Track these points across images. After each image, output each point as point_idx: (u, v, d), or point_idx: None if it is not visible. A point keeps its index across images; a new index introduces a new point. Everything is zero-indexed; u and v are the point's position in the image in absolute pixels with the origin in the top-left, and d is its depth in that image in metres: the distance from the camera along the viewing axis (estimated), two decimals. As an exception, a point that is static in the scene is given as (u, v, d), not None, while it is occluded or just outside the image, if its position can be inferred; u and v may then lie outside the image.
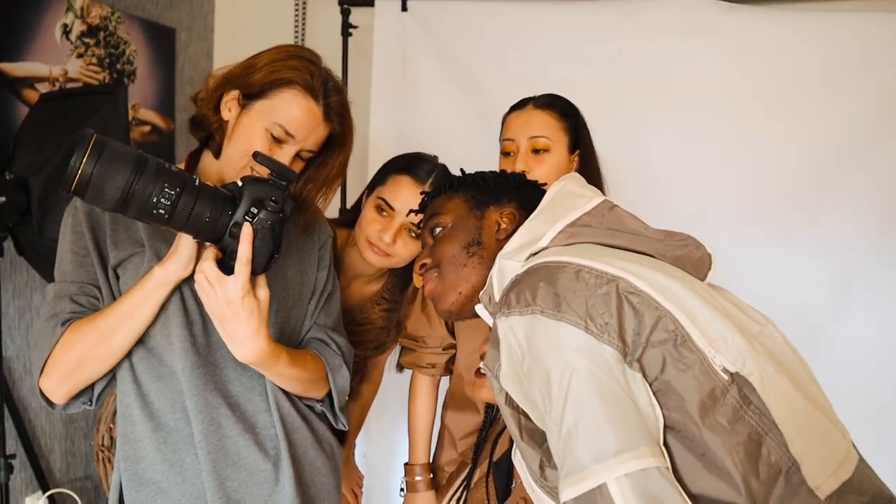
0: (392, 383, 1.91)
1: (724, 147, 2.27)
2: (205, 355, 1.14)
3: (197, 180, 0.99)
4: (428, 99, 2.45)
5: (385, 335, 1.70)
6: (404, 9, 2.45)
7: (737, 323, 0.89)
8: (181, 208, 0.96)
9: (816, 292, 2.22)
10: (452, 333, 1.61)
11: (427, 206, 1.18)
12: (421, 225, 1.19)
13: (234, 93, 1.16)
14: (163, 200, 0.95)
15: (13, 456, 1.87)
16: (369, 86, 2.49)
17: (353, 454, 1.91)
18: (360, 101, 2.53)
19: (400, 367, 1.74)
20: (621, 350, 0.83)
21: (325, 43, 2.60)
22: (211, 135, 1.19)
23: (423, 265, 1.12)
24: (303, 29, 2.66)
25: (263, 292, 1.04)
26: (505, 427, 1.36)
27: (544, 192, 1.09)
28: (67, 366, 1.09)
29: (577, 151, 1.57)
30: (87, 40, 2.18)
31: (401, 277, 1.67)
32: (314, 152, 1.19)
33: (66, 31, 2.11)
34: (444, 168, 1.53)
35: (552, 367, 0.83)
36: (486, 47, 2.39)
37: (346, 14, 2.52)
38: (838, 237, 2.21)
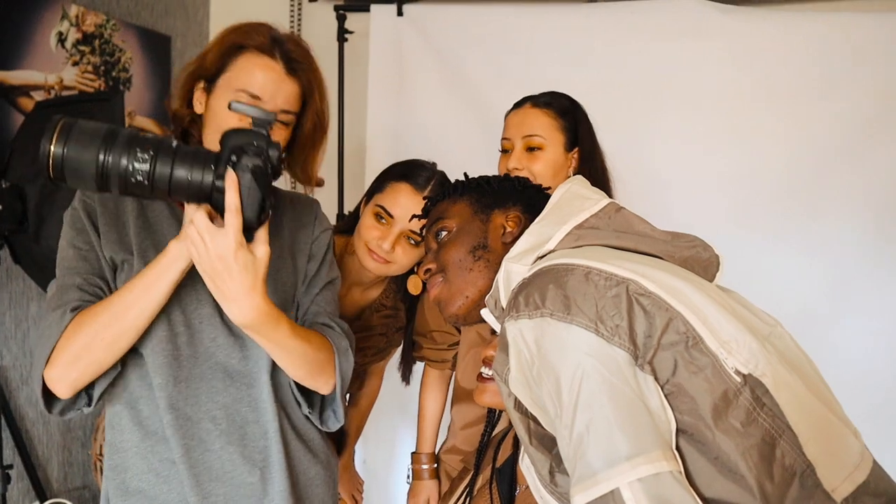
0: (391, 390, 1.91)
1: (720, 147, 2.28)
2: (189, 368, 1.11)
3: (174, 142, 0.94)
4: (425, 103, 2.45)
5: (385, 342, 1.70)
6: (400, 13, 2.45)
7: (747, 324, 0.88)
8: (159, 173, 0.91)
9: (813, 292, 2.22)
10: (458, 329, 1.65)
11: (430, 211, 1.17)
12: (423, 230, 1.18)
13: (200, 84, 1.16)
14: (137, 166, 0.90)
15: (10, 466, 1.86)
16: (366, 91, 2.49)
17: (353, 459, 1.91)
18: (357, 105, 2.56)
19: (405, 375, 1.76)
20: (632, 353, 0.82)
21: (321, 48, 2.56)
22: (187, 131, 1.18)
23: (428, 270, 1.10)
24: (298, 35, 2.66)
25: (262, 249, 0.98)
26: (507, 432, 1.35)
27: (548, 195, 1.09)
28: (76, 349, 1.03)
29: (576, 149, 1.59)
30: (82, 48, 2.18)
31: (400, 284, 1.67)
32: (293, 114, 1.15)
33: (62, 39, 2.11)
34: (442, 175, 1.54)
35: (562, 371, 0.82)
36: (482, 51, 2.39)
37: (341, 19, 2.52)
38: (835, 236, 2.22)
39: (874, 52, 2.16)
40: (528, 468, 0.97)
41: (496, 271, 1.01)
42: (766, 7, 2.35)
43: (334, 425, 1.21)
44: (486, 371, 1.23)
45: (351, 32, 2.54)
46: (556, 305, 0.84)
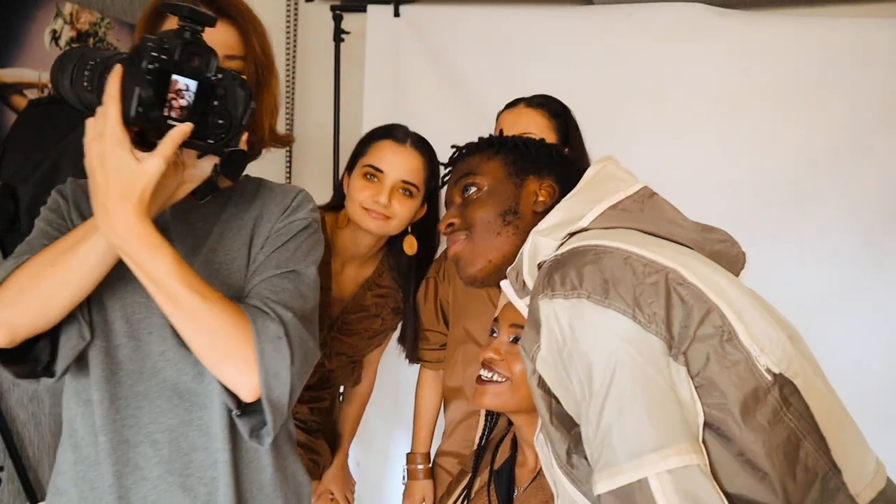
0: (386, 393, 1.91)
1: (717, 150, 2.28)
2: (130, 384, 0.99)
3: (125, 54, 0.87)
4: (421, 104, 2.44)
5: (380, 323, 1.71)
6: (396, 14, 2.44)
7: (779, 323, 0.87)
8: (99, 83, 0.85)
9: (812, 295, 2.21)
10: (447, 324, 1.69)
11: (458, 163, 1.12)
12: (445, 178, 1.13)
13: None
14: (86, 73, 0.86)
15: (1, 468, 1.84)
16: (362, 91, 2.49)
17: (347, 459, 1.90)
18: (353, 106, 2.54)
19: (409, 354, 1.78)
20: (667, 342, 0.81)
21: (317, 49, 2.60)
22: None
23: (451, 225, 1.06)
24: (294, 35, 2.65)
25: (154, 162, 0.82)
26: (505, 435, 1.34)
27: (581, 170, 1.06)
28: (16, 285, 0.91)
29: (567, 150, 1.61)
30: (76, 46, 2.16)
31: (394, 262, 1.69)
32: (238, 58, 1.02)
33: (55, 37, 2.09)
34: (416, 133, 1.62)
35: (596, 355, 0.81)
36: (479, 52, 2.39)
37: (338, 20, 2.52)
38: (835, 239, 2.22)
39: (872, 55, 2.17)
40: (542, 446, 0.96)
41: (523, 239, 0.99)
42: (764, 10, 2.35)
43: (266, 439, 0.96)
44: (484, 373, 1.22)
45: (347, 33, 2.53)
46: (593, 288, 0.82)
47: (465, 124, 2.37)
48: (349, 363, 1.76)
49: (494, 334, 1.27)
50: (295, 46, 2.65)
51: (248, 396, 0.91)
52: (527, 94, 1.66)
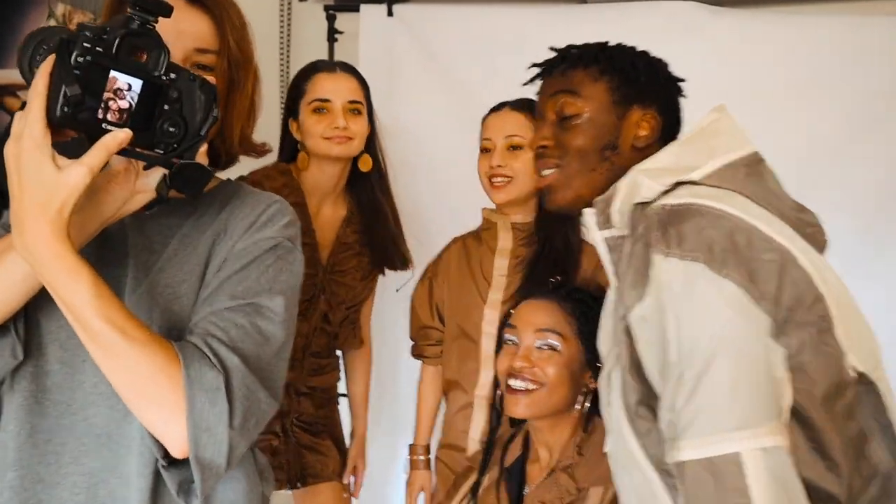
0: (384, 390, 1.91)
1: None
2: (56, 417, 0.86)
3: (62, 41, 0.76)
4: (415, 103, 2.44)
5: (367, 262, 1.79)
6: (390, 14, 2.44)
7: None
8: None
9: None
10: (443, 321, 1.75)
11: (554, 70, 1.03)
12: (539, 77, 1.05)
13: None
14: (38, 58, 0.74)
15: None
16: (356, 91, 2.48)
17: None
18: (348, 106, 2.54)
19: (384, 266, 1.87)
20: (773, 320, 0.81)
21: (311, 49, 2.59)
22: None
23: (543, 147, 1.00)
24: (288, 35, 2.65)
25: (77, 171, 0.70)
26: (517, 433, 1.34)
27: (682, 93, 1.03)
28: None
29: None
30: (43, 26, 2.16)
31: (355, 199, 1.78)
32: (212, 52, 0.89)
33: (48, 39, 2.09)
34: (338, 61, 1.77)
35: (703, 324, 0.80)
36: (473, 51, 2.38)
37: (331, 20, 2.51)
38: (832, 236, 2.20)
39: (863, 53, 2.17)
40: (604, 387, 0.96)
41: (617, 175, 0.94)
42: (757, 8, 2.36)
43: (194, 501, 0.83)
44: (516, 383, 1.20)
45: (341, 33, 2.52)
46: (712, 254, 0.81)
47: (459, 123, 2.36)
48: (350, 323, 1.83)
49: (511, 340, 1.25)
50: (289, 46, 2.64)
51: (176, 451, 0.78)
52: (521, 95, 1.64)
